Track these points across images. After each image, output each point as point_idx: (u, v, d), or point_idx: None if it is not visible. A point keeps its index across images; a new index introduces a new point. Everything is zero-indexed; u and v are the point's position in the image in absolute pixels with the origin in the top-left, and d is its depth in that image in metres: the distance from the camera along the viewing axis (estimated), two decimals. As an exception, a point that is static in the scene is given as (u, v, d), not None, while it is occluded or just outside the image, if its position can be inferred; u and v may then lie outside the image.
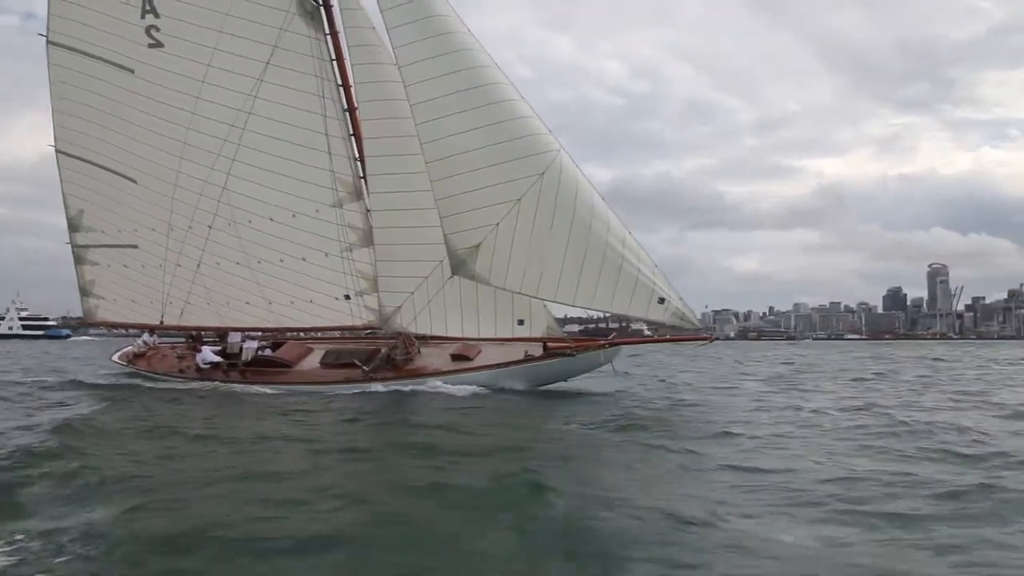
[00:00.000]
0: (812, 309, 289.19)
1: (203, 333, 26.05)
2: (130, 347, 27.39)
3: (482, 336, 21.83)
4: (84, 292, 26.72)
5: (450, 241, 20.07)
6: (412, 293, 21.79)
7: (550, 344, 21.62)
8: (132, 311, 26.27)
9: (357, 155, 22.45)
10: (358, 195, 22.66)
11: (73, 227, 26.00)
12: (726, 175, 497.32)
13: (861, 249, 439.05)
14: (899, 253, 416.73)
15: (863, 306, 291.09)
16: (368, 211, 22.59)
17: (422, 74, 19.45)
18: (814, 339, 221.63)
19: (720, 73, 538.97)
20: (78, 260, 26.39)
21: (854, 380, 28.53)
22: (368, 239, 22.75)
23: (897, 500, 8.00)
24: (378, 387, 21.30)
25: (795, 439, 12.64)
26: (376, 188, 21.46)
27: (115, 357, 27.46)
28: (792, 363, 45.51)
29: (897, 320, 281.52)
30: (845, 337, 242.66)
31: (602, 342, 22.26)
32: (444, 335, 22.16)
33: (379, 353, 22.89)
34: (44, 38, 24.30)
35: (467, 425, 14.37)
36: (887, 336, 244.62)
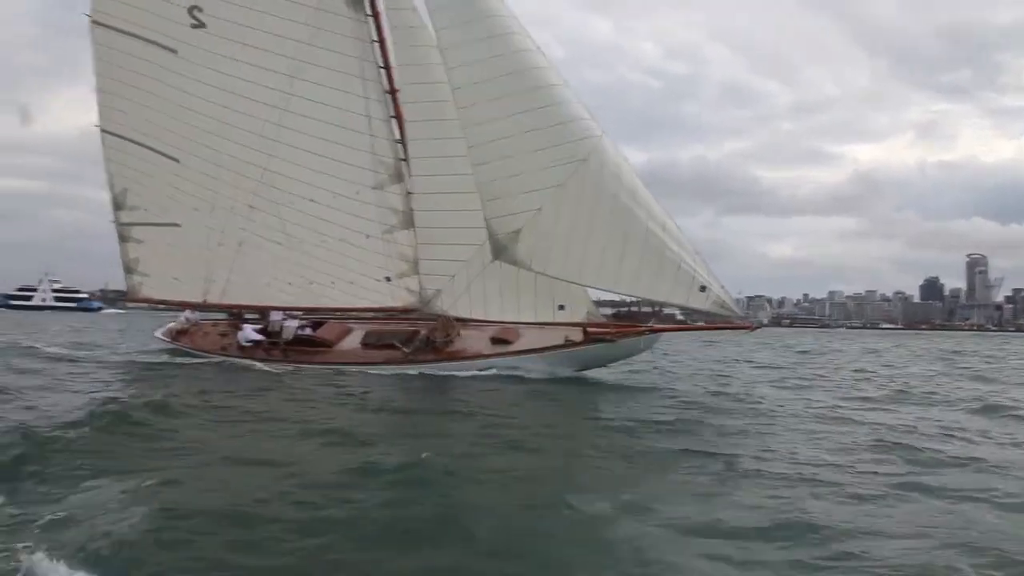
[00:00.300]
0: (847, 297, 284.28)
1: (244, 311, 26.43)
2: (173, 323, 27.78)
3: (522, 320, 21.79)
4: (128, 269, 27.03)
5: (491, 225, 20.00)
6: (453, 276, 21.80)
7: (590, 329, 21.61)
8: (175, 289, 26.49)
9: (399, 137, 22.45)
10: (399, 177, 22.67)
11: (117, 205, 26.25)
12: (763, 159, 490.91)
13: (898, 237, 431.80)
14: (937, 242, 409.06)
15: (899, 295, 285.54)
16: (409, 193, 22.60)
17: (464, 58, 19.34)
18: (848, 327, 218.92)
19: (757, 56, 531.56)
20: (122, 238, 26.65)
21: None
22: (409, 221, 22.78)
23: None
24: (414, 370, 21.45)
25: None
26: (418, 171, 21.46)
27: (159, 333, 27.81)
28: (807, 351, 45.00)
29: (934, 310, 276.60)
30: (880, 326, 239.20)
31: (643, 328, 22.19)
32: (484, 319, 22.13)
33: (418, 334, 23.05)
34: (88, 18, 24.50)
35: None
36: (923, 326, 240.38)
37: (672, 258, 19.56)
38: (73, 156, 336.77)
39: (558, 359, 21.16)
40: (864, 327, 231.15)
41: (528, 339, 21.98)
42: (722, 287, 20.35)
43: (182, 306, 27.16)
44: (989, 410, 16.55)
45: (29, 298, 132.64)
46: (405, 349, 22.30)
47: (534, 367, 20.90)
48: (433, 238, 21.73)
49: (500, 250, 20.22)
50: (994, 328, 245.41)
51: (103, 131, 25.52)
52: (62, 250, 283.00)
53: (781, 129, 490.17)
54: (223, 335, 25.89)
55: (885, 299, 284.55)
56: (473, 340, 22.72)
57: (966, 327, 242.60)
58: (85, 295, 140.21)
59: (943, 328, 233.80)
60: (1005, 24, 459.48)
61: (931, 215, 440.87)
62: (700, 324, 23.03)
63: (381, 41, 22.21)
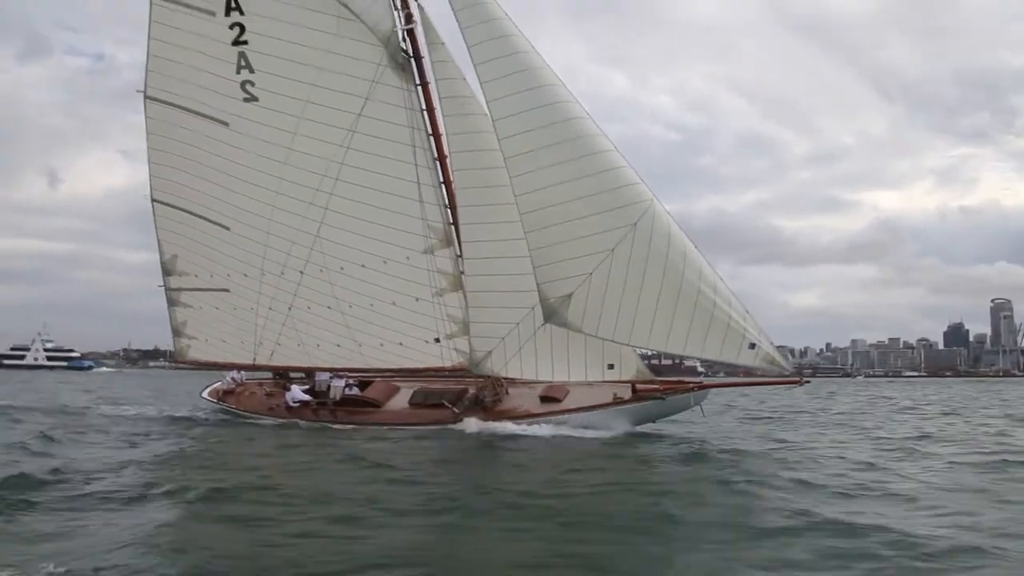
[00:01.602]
0: (870, 345, 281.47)
1: (289, 371, 26.85)
2: (219, 383, 28.25)
3: (572, 380, 22.03)
4: (176, 332, 27.71)
5: (543, 290, 20.30)
6: (503, 338, 22.01)
7: (638, 386, 21.84)
8: (222, 350, 27.12)
9: (447, 202, 23.00)
10: (448, 241, 23.17)
11: (167, 271, 26.99)
12: (782, 209, 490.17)
13: (921, 284, 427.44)
14: (960, 287, 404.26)
15: (923, 342, 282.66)
16: (459, 256, 23.04)
17: (516, 127, 19.77)
18: (867, 376, 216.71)
19: (773, 106, 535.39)
20: (171, 302, 27.38)
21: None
22: (458, 284, 23.23)
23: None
24: (470, 426, 21.67)
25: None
26: (468, 237, 21.84)
27: (205, 394, 28.28)
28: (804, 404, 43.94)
29: (959, 356, 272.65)
30: (903, 374, 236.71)
31: (691, 384, 22.41)
32: (535, 379, 22.38)
33: (466, 393, 23.32)
34: (141, 93, 25.37)
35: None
36: (948, 373, 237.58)
37: (722, 318, 19.81)
38: (98, 218, 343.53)
39: (611, 416, 21.36)
40: (887, 375, 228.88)
41: (576, 396, 22.27)
42: (771, 343, 20.64)
43: (230, 367, 27.69)
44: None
45: (22, 357, 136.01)
46: (455, 409, 22.60)
47: (586, 425, 21.07)
48: (484, 301, 21.99)
49: (551, 313, 20.48)
50: (1020, 373, 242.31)
51: (154, 200, 26.33)
52: (86, 309, 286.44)
53: (799, 178, 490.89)
54: (269, 395, 26.32)
55: (908, 346, 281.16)
56: (522, 398, 23.02)
57: (991, 373, 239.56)
58: (77, 354, 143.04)
59: (968, 375, 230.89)
60: (1020, 67, 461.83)
61: (954, 260, 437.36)
62: (748, 380, 23.16)
63: (430, 110, 22.79)
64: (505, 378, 22.98)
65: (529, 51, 20.26)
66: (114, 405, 32.56)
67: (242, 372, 28.11)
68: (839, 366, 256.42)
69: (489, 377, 22.95)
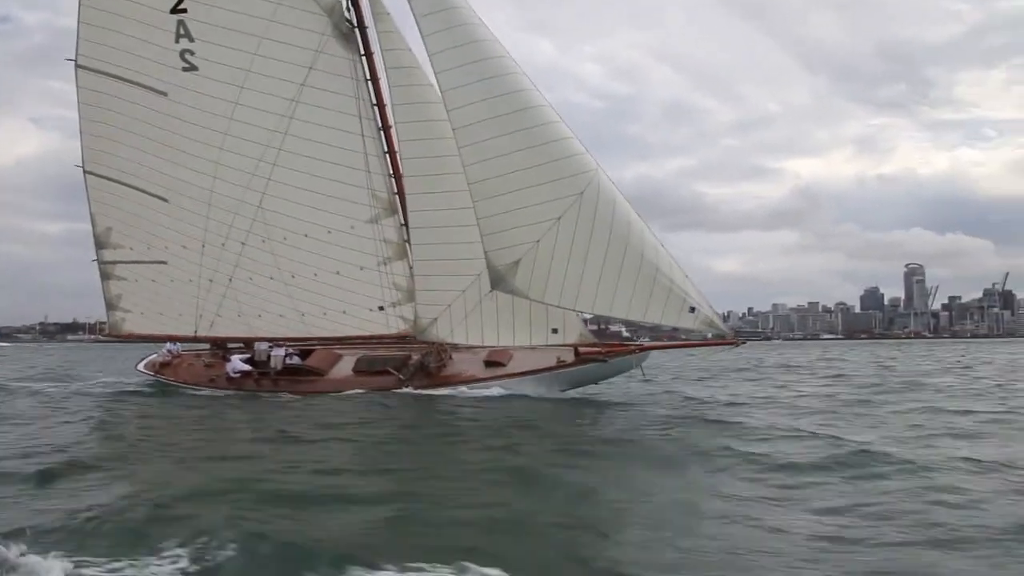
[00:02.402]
0: (791, 309, 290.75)
1: (227, 342, 26.67)
2: (155, 355, 27.85)
3: (517, 344, 22.54)
4: (110, 306, 27.20)
5: (491, 258, 20.70)
6: (450, 305, 22.39)
7: (582, 350, 22.45)
8: (159, 323, 26.76)
9: (392, 172, 23.10)
10: (393, 210, 23.32)
11: (100, 244, 26.42)
12: (706, 176, 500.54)
13: (839, 249, 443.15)
14: (877, 253, 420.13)
15: (841, 306, 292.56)
16: (403, 225, 23.24)
17: (465, 98, 20.02)
18: (786, 339, 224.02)
19: (699, 75, 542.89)
20: (105, 276, 26.82)
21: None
22: (402, 252, 23.47)
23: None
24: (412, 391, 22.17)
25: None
26: (415, 206, 22.05)
27: (140, 366, 27.88)
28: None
29: (874, 319, 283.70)
30: (821, 337, 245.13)
31: (633, 347, 23.17)
32: (480, 344, 22.83)
33: (410, 359, 23.65)
34: (73, 62, 24.64)
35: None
36: (863, 335, 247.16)
37: (664, 283, 20.52)
38: (10, 188, 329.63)
39: (554, 379, 22.09)
40: (805, 338, 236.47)
41: (520, 360, 22.84)
42: (710, 307, 21.46)
43: (166, 339, 27.31)
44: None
45: None
46: (400, 375, 22.92)
47: (530, 388, 21.74)
48: (430, 269, 22.31)
49: (499, 280, 20.90)
50: (929, 335, 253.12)
51: (86, 172, 25.69)
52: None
53: (724, 146, 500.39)
54: (208, 366, 26.15)
55: (827, 310, 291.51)
56: (466, 363, 23.53)
57: (903, 335, 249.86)
58: None
59: (882, 337, 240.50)
60: (937, 41, 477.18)
61: (872, 227, 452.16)
62: (688, 342, 24.00)
63: (375, 79, 22.84)
64: (449, 344, 23.38)
65: (477, 23, 20.50)
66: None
67: (178, 344, 27.79)
68: (760, 330, 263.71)
69: (433, 343, 23.30)
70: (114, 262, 26.53)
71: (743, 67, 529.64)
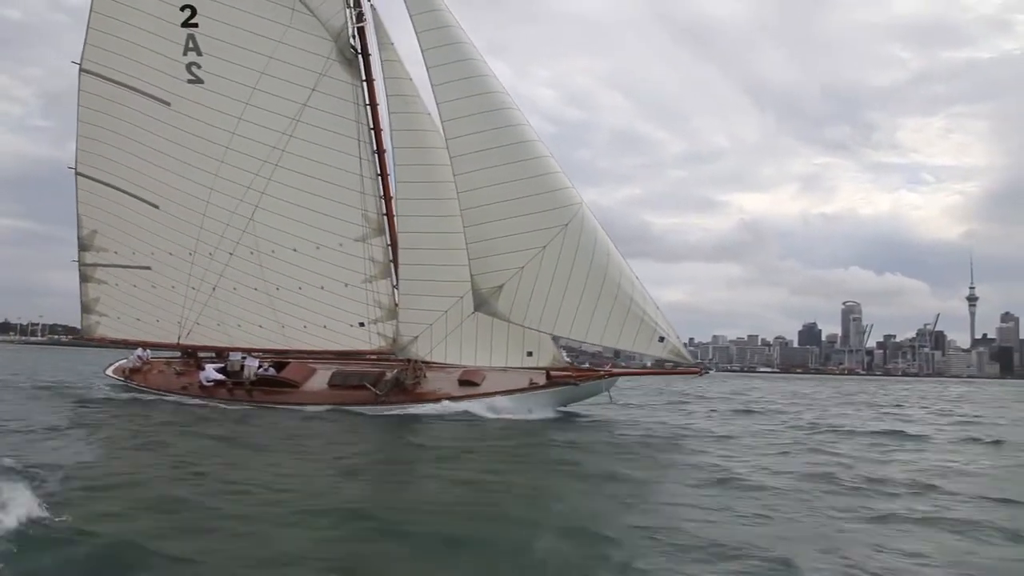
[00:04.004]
0: (731, 341, 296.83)
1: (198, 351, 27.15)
2: (124, 361, 28.18)
3: (494, 365, 23.55)
4: (86, 309, 27.54)
5: (476, 281, 21.79)
6: (431, 325, 23.33)
7: (553, 373, 23.58)
8: (136, 328, 27.17)
9: (383, 194, 24.11)
10: (381, 231, 24.27)
11: (83, 246, 26.82)
12: (654, 206, 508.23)
13: (781, 284, 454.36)
14: (817, 289, 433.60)
15: (780, 340, 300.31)
16: (389, 245, 24.23)
17: (464, 129, 21.19)
18: (721, 371, 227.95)
19: (650, 105, 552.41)
20: (84, 278, 27.20)
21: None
22: (387, 271, 24.40)
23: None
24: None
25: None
26: (405, 227, 23.06)
27: (109, 371, 28.19)
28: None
29: (811, 355, 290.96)
30: (757, 370, 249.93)
31: (602, 372, 24.41)
32: (459, 363, 23.74)
33: (385, 375, 24.32)
34: (77, 65, 25.18)
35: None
36: (798, 370, 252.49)
37: (637, 313, 21.88)
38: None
39: (526, 400, 22.98)
40: (742, 370, 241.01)
41: (492, 380, 23.83)
42: (678, 337, 22.87)
43: (141, 345, 27.71)
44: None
45: None
46: (376, 391, 23.66)
47: (503, 407, 22.55)
48: (415, 289, 23.24)
49: (482, 303, 22.02)
50: (862, 372, 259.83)
51: (78, 174, 26.16)
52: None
53: (672, 177, 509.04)
54: (180, 374, 26.52)
55: (766, 344, 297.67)
56: (440, 381, 24.32)
57: (837, 371, 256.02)
58: None
59: (817, 372, 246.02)
60: (881, 86, 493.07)
61: (813, 264, 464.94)
62: (654, 370, 25.29)
63: (373, 105, 23.88)
64: (424, 362, 24.26)
65: (478, 59, 21.75)
66: None
67: (147, 350, 28.15)
68: (699, 360, 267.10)
69: (409, 360, 24.15)
70: (95, 265, 26.93)
71: (694, 99, 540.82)
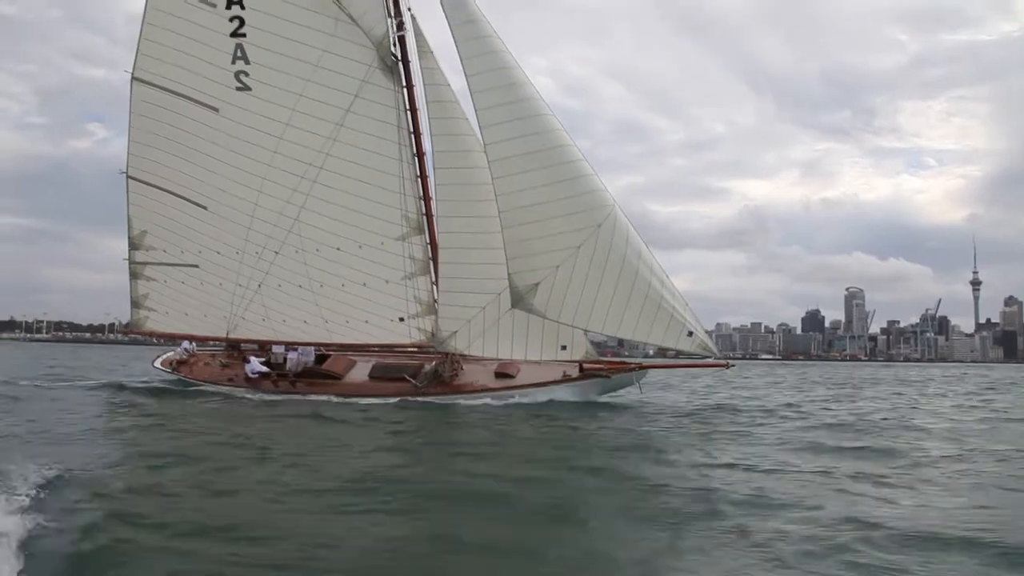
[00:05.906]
0: (734, 329, 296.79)
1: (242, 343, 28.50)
2: (172, 353, 29.63)
3: (530, 359, 24.75)
4: (135, 304, 28.82)
5: (513, 279, 22.95)
6: (469, 320, 24.52)
7: (586, 366, 24.89)
8: (184, 323, 28.46)
9: (422, 194, 25.36)
10: (421, 229, 25.47)
11: (133, 246, 28.11)
12: (656, 194, 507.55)
13: (784, 271, 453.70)
14: (820, 275, 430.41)
15: (783, 327, 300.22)
16: (428, 244, 25.46)
17: (502, 134, 22.31)
18: (726, 358, 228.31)
19: (650, 93, 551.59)
20: (134, 275, 28.49)
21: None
22: (426, 269, 25.61)
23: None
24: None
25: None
26: (445, 227, 24.24)
27: (158, 363, 29.52)
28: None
29: (814, 341, 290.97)
30: (759, 357, 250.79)
31: (633, 365, 25.71)
32: (495, 357, 24.96)
33: (423, 367, 25.66)
34: (129, 74, 26.42)
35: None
36: (800, 357, 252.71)
37: (667, 309, 23.05)
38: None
39: (561, 391, 24.26)
40: (744, 358, 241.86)
41: (527, 373, 25.09)
42: (705, 332, 24.13)
43: (190, 339, 29.13)
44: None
45: None
46: (416, 382, 24.94)
47: (540, 397, 23.95)
48: (455, 287, 24.42)
49: (519, 300, 23.19)
50: (864, 358, 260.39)
51: (129, 177, 27.42)
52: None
53: (673, 165, 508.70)
54: (225, 367, 27.89)
55: (769, 331, 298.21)
56: (477, 374, 25.65)
57: (840, 357, 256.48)
58: None
59: (819, 359, 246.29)
60: (881, 70, 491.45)
61: (815, 249, 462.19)
62: (682, 363, 26.57)
63: (413, 110, 25.04)
64: (461, 355, 25.55)
65: (515, 67, 22.82)
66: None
67: (193, 343, 29.62)
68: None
69: (447, 353, 25.46)
70: (144, 263, 28.21)
71: (693, 87, 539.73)
